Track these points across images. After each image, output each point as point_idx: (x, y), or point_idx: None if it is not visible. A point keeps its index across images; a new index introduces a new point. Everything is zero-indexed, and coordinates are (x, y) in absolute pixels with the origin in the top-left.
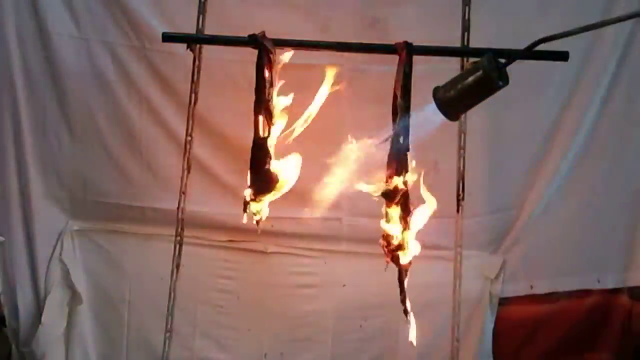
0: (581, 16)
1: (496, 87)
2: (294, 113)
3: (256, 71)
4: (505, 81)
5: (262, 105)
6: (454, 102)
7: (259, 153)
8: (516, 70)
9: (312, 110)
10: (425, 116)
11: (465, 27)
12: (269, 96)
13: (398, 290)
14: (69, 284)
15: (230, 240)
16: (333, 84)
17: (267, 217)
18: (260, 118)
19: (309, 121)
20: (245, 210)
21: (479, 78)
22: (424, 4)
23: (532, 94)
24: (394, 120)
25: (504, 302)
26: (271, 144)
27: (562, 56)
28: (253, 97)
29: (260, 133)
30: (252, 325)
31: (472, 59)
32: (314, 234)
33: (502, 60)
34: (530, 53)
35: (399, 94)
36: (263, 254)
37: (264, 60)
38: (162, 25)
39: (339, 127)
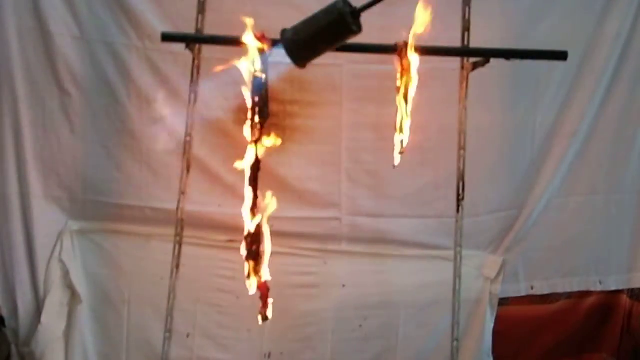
0: (580, 16)
1: (350, 32)
2: (293, 112)
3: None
4: (359, 28)
5: (257, 107)
6: (303, 45)
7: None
8: (516, 70)
9: None
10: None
11: (465, 27)
12: (265, 96)
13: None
14: (68, 284)
15: (230, 240)
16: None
17: (267, 217)
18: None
19: None
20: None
21: (333, 21)
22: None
23: (532, 94)
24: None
25: (504, 302)
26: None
27: (561, 56)
28: None
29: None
30: (252, 325)
31: (472, 59)
32: (314, 234)
33: (358, 7)
34: (529, 52)
35: (399, 94)
36: None
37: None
38: (163, 24)
39: (339, 127)
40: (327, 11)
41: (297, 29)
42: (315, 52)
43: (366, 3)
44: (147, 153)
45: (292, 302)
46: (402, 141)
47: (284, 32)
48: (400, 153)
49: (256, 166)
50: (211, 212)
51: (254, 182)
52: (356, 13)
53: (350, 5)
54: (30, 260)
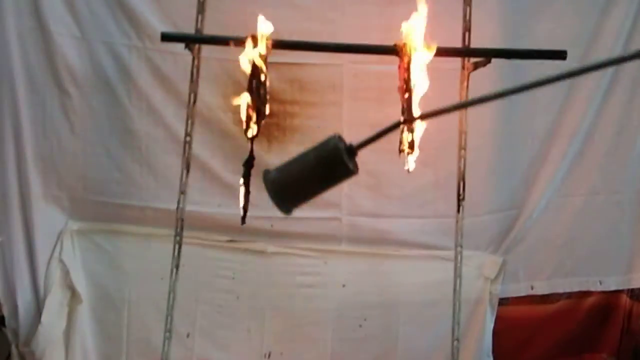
0: (580, 16)
1: (346, 172)
2: (294, 112)
3: (251, 70)
4: (356, 168)
5: (255, 104)
6: (290, 188)
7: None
8: (516, 70)
9: None
10: None
11: (466, 27)
12: (263, 94)
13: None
14: (68, 284)
15: (230, 240)
16: None
17: (267, 217)
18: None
19: None
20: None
21: (327, 160)
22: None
23: (532, 94)
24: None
25: (504, 302)
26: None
27: (560, 55)
28: None
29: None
30: (252, 325)
31: (473, 59)
32: (314, 234)
33: (354, 144)
34: (528, 52)
35: (400, 94)
36: (263, 254)
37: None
38: (163, 24)
39: (339, 127)
40: (319, 148)
41: (282, 169)
42: (304, 196)
43: (364, 140)
44: (147, 152)
45: (292, 302)
46: (410, 141)
47: (266, 172)
48: (403, 151)
49: (250, 163)
50: (211, 212)
51: (247, 178)
52: (353, 151)
53: (345, 142)
54: (30, 260)
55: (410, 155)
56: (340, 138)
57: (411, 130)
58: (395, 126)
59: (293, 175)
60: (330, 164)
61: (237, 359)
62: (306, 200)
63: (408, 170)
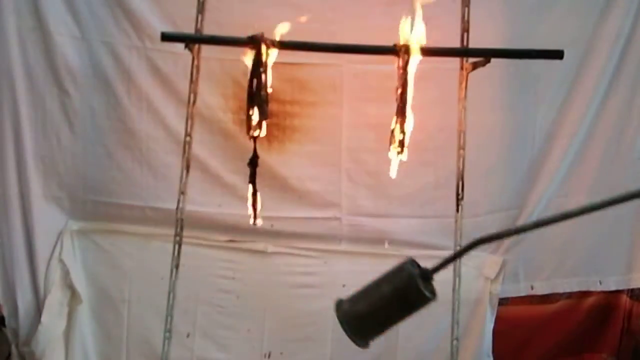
0: (580, 16)
1: (422, 300)
2: (294, 112)
3: (251, 71)
4: (434, 294)
5: (256, 103)
6: (365, 322)
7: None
8: (516, 69)
9: None
10: None
11: (464, 28)
12: (263, 93)
13: None
14: (68, 283)
15: (230, 240)
16: None
17: (267, 217)
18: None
19: None
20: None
21: (401, 288)
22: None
23: (532, 94)
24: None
25: (504, 302)
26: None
27: (558, 55)
28: None
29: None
30: (252, 325)
31: (471, 58)
32: (313, 234)
33: (429, 267)
34: (526, 52)
35: (399, 94)
36: (263, 254)
37: (261, 62)
38: (163, 24)
39: (339, 127)
40: (392, 278)
41: (355, 301)
42: (381, 329)
43: (438, 264)
44: (147, 152)
45: (292, 302)
46: (400, 141)
47: (339, 303)
48: (399, 152)
49: (254, 162)
50: (211, 212)
51: (252, 177)
52: (428, 275)
53: (419, 267)
54: (30, 260)
55: (398, 155)
56: (413, 263)
57: (403, 131)
58: (473, 246)
59: (367, 307)
60: (406, 294)
61: (237, 359)
62: (383, 332)
63: (391, 174)
